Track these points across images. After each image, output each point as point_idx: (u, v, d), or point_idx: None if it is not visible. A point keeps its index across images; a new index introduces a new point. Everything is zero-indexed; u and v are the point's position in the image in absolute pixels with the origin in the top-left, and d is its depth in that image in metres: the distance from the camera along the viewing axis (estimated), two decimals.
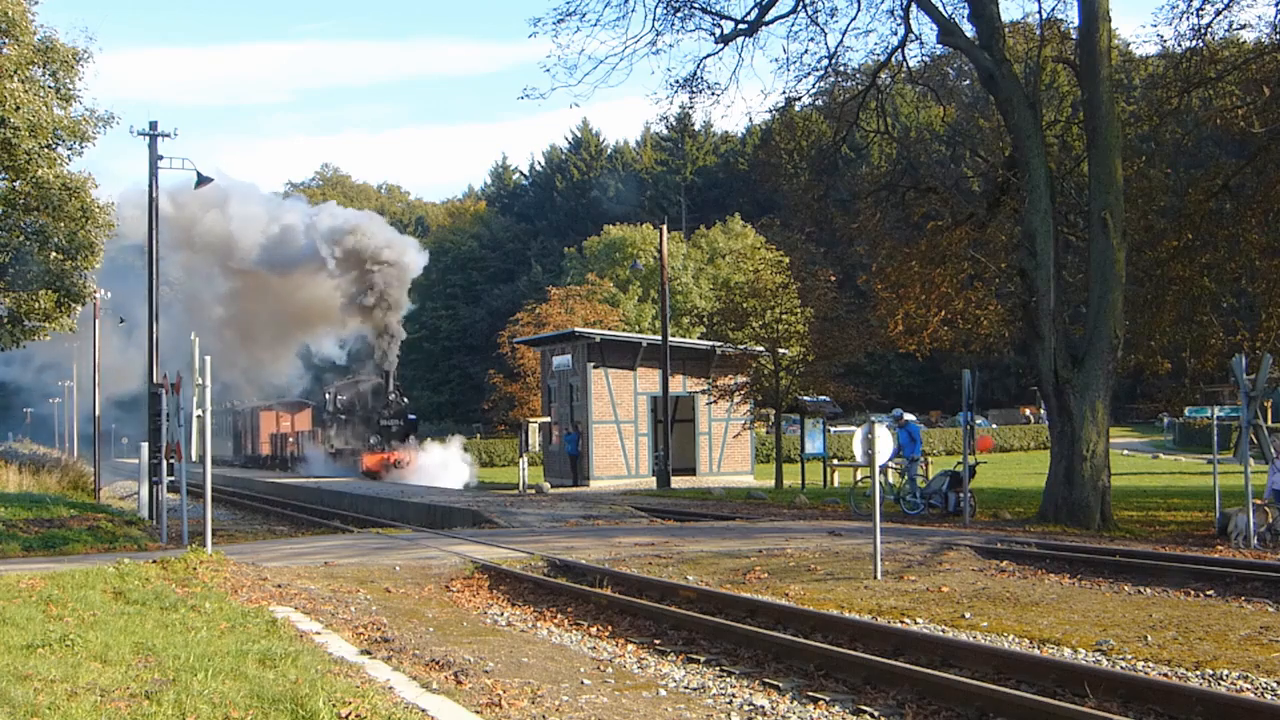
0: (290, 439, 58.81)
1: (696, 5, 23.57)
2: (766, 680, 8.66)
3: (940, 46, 24.61)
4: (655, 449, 41.23)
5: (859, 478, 25.38)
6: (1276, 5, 27.88)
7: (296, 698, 6.81)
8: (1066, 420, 19.99)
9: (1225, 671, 8.71)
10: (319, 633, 9.65)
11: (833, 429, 44.05)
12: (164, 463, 19.77)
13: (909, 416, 24.53)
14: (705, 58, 31.32)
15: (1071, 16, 23.46)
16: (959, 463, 21.65)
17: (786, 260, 36.99)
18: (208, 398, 15.35)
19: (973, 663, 8.69)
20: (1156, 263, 22.65)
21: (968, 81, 32.24)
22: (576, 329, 48.30)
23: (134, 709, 6.65)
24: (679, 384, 42.29)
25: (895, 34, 24.25)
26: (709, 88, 24.56)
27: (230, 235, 54.72)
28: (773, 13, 23.89)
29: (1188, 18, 22.02)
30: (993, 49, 21.06)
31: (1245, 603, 11.67)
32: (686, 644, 10.09)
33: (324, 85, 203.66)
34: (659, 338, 40.32)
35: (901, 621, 11.03)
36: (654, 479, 39.18)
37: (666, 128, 31.33)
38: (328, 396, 52.20)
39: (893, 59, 24.07)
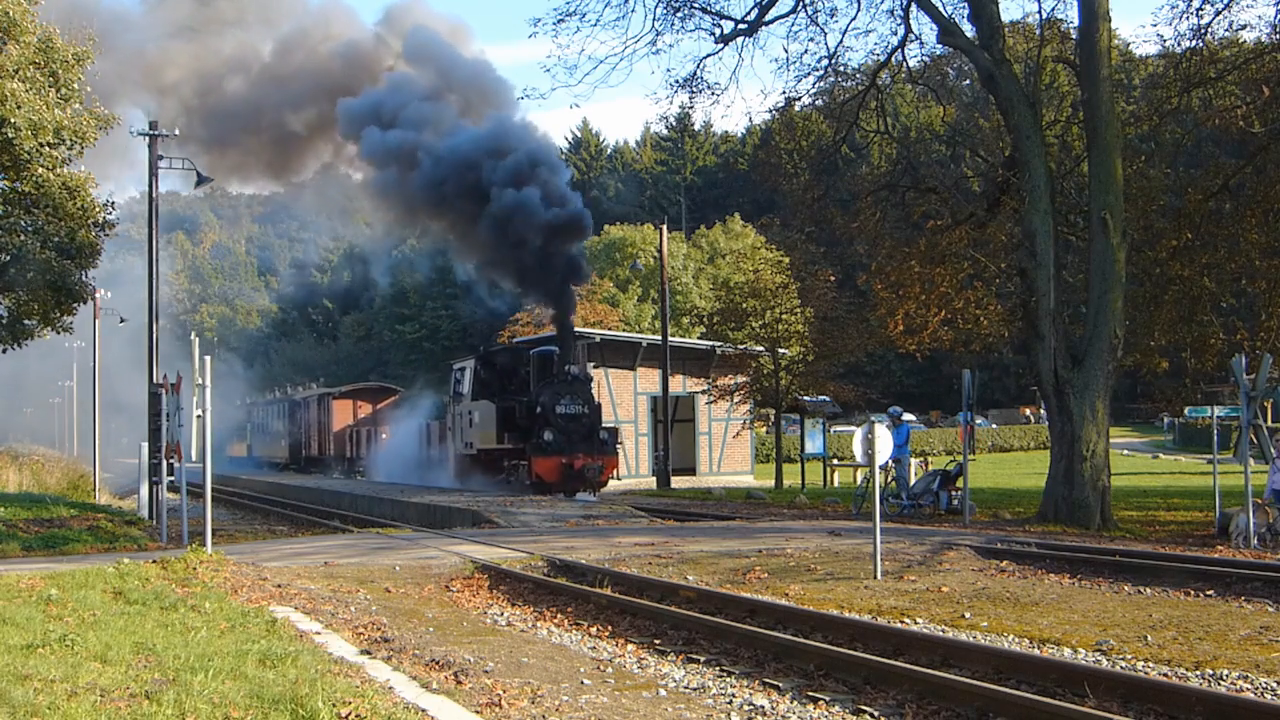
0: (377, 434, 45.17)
1: (696, 5, 23.63)
2: (766, 680, 8.65)
3: (940, 46, 24.67)
4: (655, 449, 41.22)
5: (862, 478, 25.41)
6: (1276, 5, 27.92)
7: (296, 698, 6.81)
8: (1066, 420, 19.99)
9: (1225, 671, 8.70)
10: (319, 633, 9.65)
11: (833, 429, 44.08)
12: (164, 463, 19.75)
13: (908, 416, 24.59)
14: (705, 58, 31.65)
15: (1071, 16, 23.52)
16: (950, 461, 21.74)
17: (786, 260, 36.99)
18: (208, 398, 15.35)
19: (973, 663, 8.69)
20: (1156, 263, 22.65)
21: (968, 81, 32.29)
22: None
23: (134, 709, 6.65)
24: (679, 384, 42.28)
25: (895, 34, 24.34)
26: (709, 88, 24.71)
27: None
28: (773, 13, 23.97)
29: (1188, 18, 22.07)
30: (993, 49, 21.07)
31: (1245, 603, 11.66)
32: (686, 644, 10.08)
33: None
34: (659, 338, 40.32)
35: (901, 621, 11.03)
36: (654, 479, 39.17)
37: (666, 128, 31.47)
38: (463, 372, 34.72)
39: (893, 59, 24.11)
